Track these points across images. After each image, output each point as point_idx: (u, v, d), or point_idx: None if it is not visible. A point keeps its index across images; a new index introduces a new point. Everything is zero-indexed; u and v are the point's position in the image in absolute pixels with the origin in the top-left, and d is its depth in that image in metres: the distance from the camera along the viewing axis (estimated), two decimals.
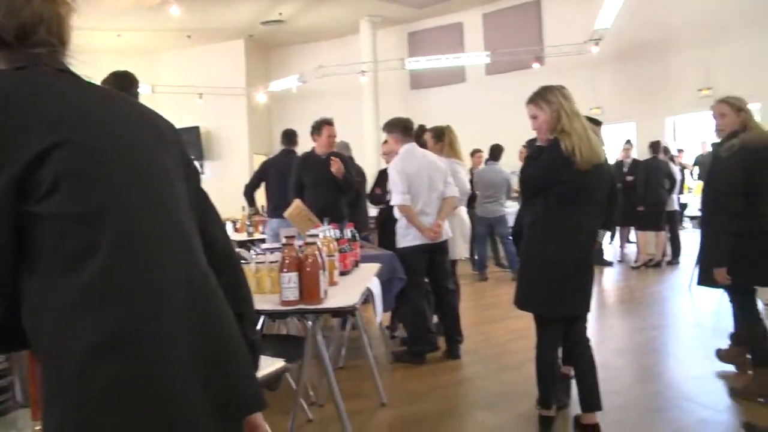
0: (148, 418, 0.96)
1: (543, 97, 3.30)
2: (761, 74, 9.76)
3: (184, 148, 1.25)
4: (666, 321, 6.10)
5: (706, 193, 4.29)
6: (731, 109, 3.91)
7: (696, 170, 12.53)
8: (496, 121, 11.60)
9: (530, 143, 3.79)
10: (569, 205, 3.24)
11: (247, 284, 1.33)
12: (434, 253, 4.82)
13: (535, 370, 3.42)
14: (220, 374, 1.08)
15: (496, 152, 8.53)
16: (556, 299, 3.28)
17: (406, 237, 4.78)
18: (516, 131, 5.61)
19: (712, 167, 4.09)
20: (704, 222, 4.39)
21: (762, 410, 3.61)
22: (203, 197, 1.27)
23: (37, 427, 1.30)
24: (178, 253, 1.08)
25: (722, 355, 4.48)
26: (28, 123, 0.97)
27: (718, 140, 4.03)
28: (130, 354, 0.95)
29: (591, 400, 3.33)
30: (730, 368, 4.34)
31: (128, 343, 0.95)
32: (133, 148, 1.09)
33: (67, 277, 0.95)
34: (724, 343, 4.55)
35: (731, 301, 4.03)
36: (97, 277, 0.95)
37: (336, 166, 5.50)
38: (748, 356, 4.09)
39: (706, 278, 3.94)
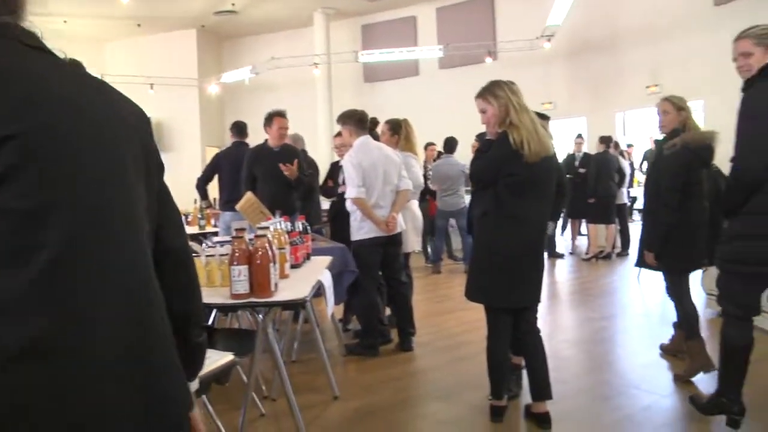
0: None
1: (491, 91, 3.36)
2: (705, 72, 10.03)
3: (150, 140, 1.17)
4: (615, 311, 6.23)
5: (648, 185, 4.50)
6: (673, 107, 4.10)
7: (645, 165, 12.83)
8: (449, 114, 11.67)
9: (481, 136, 3.85)
10: (518, 197, 3.29)
11: (197, 286, 1.28)
12: (388, 246, 4.82)
13: (486, 361, 3.46)
14: (151, 387, 1.02)
15: (450, 145, 8.56)
16: (506, 290, 3.33)
17: (361, 230, 4.76)
18: (469, 125, 5.65)
19: (655, 162, 4.32)
20: (645, 211, 4.69)
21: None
22: (164, 194, 1.20)
23: None
24: (125, 260, 1.02)
25: (666, 347, 4.60)
26: None
27: (661, 136, 4.28)
28: (49, 364, 0.89)
29: (541, 389, 3.39)
30: (679, 357, 4.45)
31: (48, 352, 0.89)
32: (94, 144, 1.01)
33: (3, 276, 0.89)
34: (671, 332, 4.66)
35: (666, 287, 4.27)
36: (34, 280, 0.89)
37: (288, 172, 5.46)
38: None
39: (641, 260, 4.30)
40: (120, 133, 1.08)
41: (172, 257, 1.18)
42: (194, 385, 1.29)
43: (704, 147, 3.85)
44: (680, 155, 3.92)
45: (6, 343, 0.87)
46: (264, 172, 5.61)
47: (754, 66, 3.04)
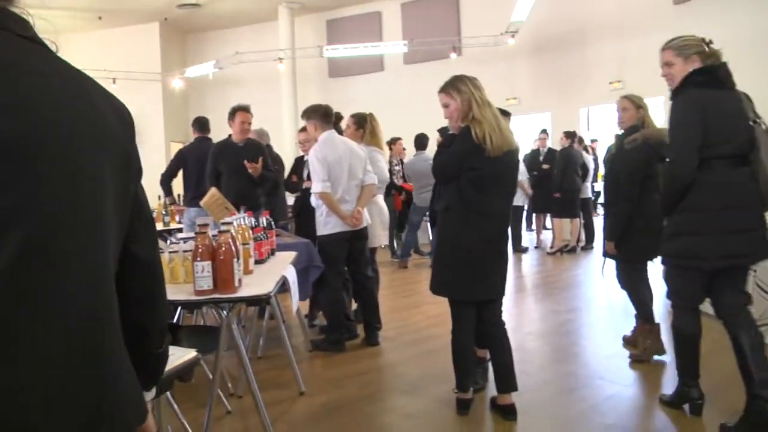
0: None
1: (454, 86, 3.39)
2: None
3: (131, 143, 1.12)
4: (580, 304, 6.32)
5: (608, 178, 4.75)
6: (633, 105, 4.31)
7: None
8: (414, 109, 11.67)
9: (443, 131, 3.92)
10: (480, 192, 3.33)
11: (161, 298, 1.23)
12: (354, 241, 4.82)
13: (452, 354, 3.48)
14: (99, 398, 0.98)
15: (422, 142, 8.58)
16: (469, 283, 3.36)
17: (327, 225, 4.75)
18: (434, 120, 5.65)
19: (615, 156, 4.48)
20: (605, 204, 5.01)
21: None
22: (139, 201, 1.15)
23: None
24: (85, 269, 0.98)
25: (628, 339, 4.72)
26: None
27: (621, 132, 4.47)
28: None
29: (507, 381, 3.43)
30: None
31: None
32: (69, 147, 0.96)
33: None
34: (633, 323, 4.75)
35: (618, 276, 4.59)
36: None
37: (252, 170, 5.43)
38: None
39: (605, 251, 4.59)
40: (100, 136, 1.03)
41: (136, 267, 1.14)
42: (150, 395, 1.26)
43: (662, 143, 3.92)
44: (641, 150, 4.11)
45: None
46: (228, 168, 5.56)
47: (676, 76, 3.31)
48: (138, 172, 1.14)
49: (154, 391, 1.31)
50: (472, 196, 3.32)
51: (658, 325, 4.37)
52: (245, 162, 5.44)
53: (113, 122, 1.08)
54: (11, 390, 0.86)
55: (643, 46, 10.71)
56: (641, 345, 4.38)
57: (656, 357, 4.29)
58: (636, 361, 4.29)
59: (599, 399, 3.73)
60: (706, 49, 3.27)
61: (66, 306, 0.94)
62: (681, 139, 3.14)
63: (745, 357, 3.13)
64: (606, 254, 4.64)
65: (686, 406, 3.44)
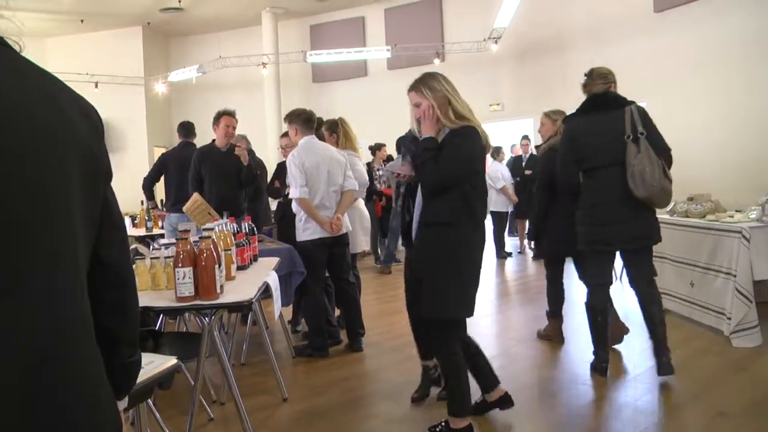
0: None
1: (425, 83, 3.11)
2: (647, 75, 10.31)
3: (99, 146, 1.10)
4: (565, 306, 6.33)
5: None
6: (549, 119, 5.01)
7: None
8: (398, 115, 11.59)
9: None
10: (482, 198, 3.14)
11: (134, 305, 1.22)
12: (334, 246, 4.80)
13: (453, 373, 3.19)
14: (58, 413, 0.94)
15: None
16: (474, 296, 3.18)
17: (306, 231, 4.73)
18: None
19: (533, 166, 5.35)
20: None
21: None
22: (108, 205, 1.13)
23: None
24: (54, 280, 0.96)
25: (541, 333, 5.16)
26: None
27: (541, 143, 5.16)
28: None
29: (493, 375, 3.49)
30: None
31: None
32: (38, 156, 0.94)
33: None
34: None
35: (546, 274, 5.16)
36: None
37: (240, 152, 5.43)
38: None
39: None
40: (65, 137, 1.01)
41: (105, 273, 1.12)
42: (122, 404, 1.24)
43: None
44: (549, 158, 4.66)
45: None
46: (211, 173, 5.53)
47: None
48: (107, 174, 1.12)
49: (126, 400, 1.29)
50: (479, 205, 3.08)
51: (561, 318, 5.08)
52: (236, 146, 5.46)
53: (79, 123, 1.06)
54: None
55: (624, 53, 10.88)
56: (547, 330, 5.11)
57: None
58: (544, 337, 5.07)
59: (581, 403, 3.76)
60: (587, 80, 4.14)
61: (30, 312, 0.92)
62: (560, 159, 4.14)
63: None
64: (536, 253, 5.40)
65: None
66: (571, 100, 12.39)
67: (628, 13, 10.94)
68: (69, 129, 1.03)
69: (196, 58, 14.14)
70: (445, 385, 3.33)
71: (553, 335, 5.05)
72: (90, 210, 1.07)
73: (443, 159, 3.00)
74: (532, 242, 5.21)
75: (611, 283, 4.14)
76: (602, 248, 3.97)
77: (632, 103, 3.93)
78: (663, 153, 3.83)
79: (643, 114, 3.87)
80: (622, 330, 4.76)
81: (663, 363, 3.88)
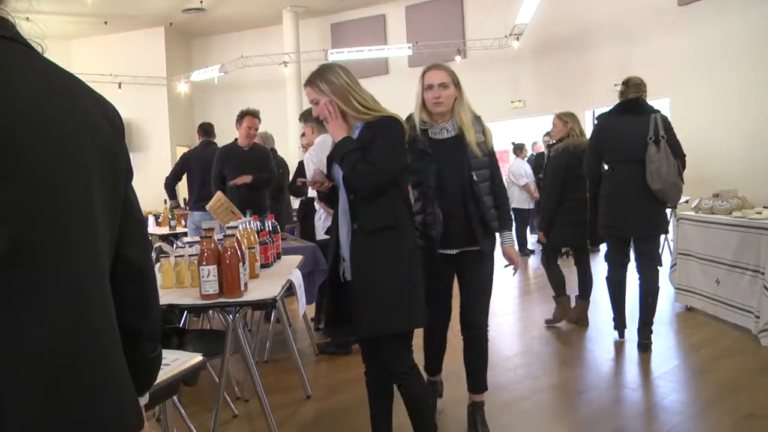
0: None
1: (322, 77, 2.70)
2: (670, 70, 10.19)
3: (120, 145, 1.10)
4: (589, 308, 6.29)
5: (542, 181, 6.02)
6: (560, 121, 5.33)
7: None
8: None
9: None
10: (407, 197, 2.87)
11: (153, 301, 1.22)
12: None
13: (423, 394, 2.87)
14: (81, 411, 0.95)
15: None
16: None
17: (325, 228, 4.73)
18: None
19: (546, 163, 5.64)
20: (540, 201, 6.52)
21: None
22: (128, 203, 1.14)
23: None
24: (75, 277, 0.96)
25: (549, 320, 5.51)
26: None
27: (553, 142, 5.56)
28: None
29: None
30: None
31: None
32: (60, 153, 0.95)
33: None
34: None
35: (542, 258, 5.67)
36: None
37: (242, 182, 5.48)
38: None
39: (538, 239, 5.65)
40: (86, 137, 1.02)
41: (126, 270, 1.13)
42: (143, 400, 1.25)
43: (582, 151, 4.96)
44: (561, 157, 5.17)
45: None
46: (233, 172, 5.57)
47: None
48: (127, 173, 1.13)
49: (147, 396, 1.30)
50: (409, 204, 2.83)
51: (568, 297, 5.44)
52: (235, 180, 5.51)
53: (100, 123, 1.07)
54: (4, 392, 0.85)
55: (647, 48, 10.77)
56: (556, 312, 5.46)
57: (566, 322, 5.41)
58: (550, 327, 5.41)
59: (606, 402, 3.72)
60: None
61: (55, 308, 0.93)
62: (588, 150, 4.80)
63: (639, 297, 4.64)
64: (539, 241, 5.62)
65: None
66: (594, 96, 12.36)
67: (652, 7, 10.80)
68: (89, 129, 1.04)
69: (217, 58, 14.22)
70: (414, 417, 2.80)
71: (561, 317, 5.43)
72: (111, 208, 1.08)
73: (376, 155, 2.59)
74: (542, 233, 5.39)
75: (627, 263, 4.75)
76: (616, 233, 4.63)
77: (658, 111, 4.51)
78: (679, 157, 4.41)
79: (665, 121, 4.47)
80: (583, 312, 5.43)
81: (642, 343, 4.55)
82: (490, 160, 3.22)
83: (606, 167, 4.65)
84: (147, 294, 1.20)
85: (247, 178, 5.50)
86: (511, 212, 3.50)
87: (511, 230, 3.36)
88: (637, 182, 4.36)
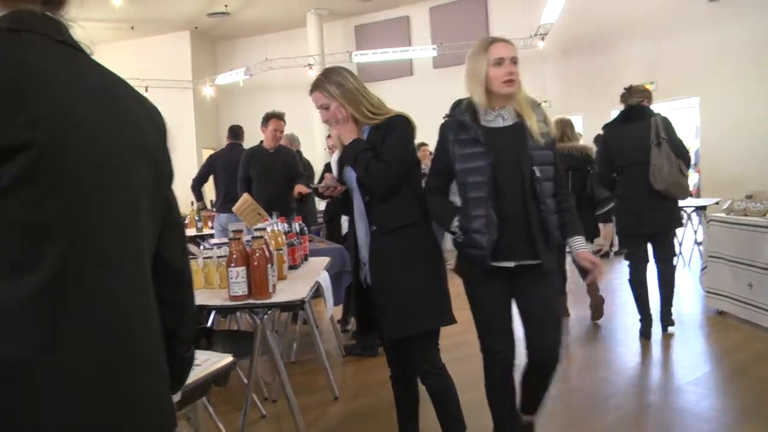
0: None
1: (331, 80, 2.66)
2: (701, 69, 10.04)
3: (164, 150, 1.13)
4: (614, 309, 6.21)
5: None
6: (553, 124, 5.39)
7: None
8: (443, 113, 11.65)
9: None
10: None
11: (192, 303, 1.25)
12: None
13: (449, 396, 2.83)
14: (133, 410, 0.98)
15: None
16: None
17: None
18: None
19: None
20: None
21: None
22: (169, 207, 1.16)
23: None
24: (122, 282, 0.99)
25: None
26: (8, 111, 0.84)
27: None
28: (31, 382, 0.85)
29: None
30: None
31: (32, 370, 0.86)
32: (108, 158, 0.97)
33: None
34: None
35: None
36: (27, 297, 0.85)
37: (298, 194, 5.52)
38: None
39: None
40: (135, 143, 1.04)
41: (165, 272, 1.15)
42: (175, 398, 1.27)
43: (568, 155, 5.16)
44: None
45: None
46: (259, 174, 5.61)
47: None
48: (170, 177, 1.15)
49: (179, 394, 1.32)
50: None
51: (566, 296, 5.67)
52: (297, 190, 5.52)
53: (147, 128, 1.09)
54: (52, 393, 0.87)
55: (677, 46, 10.63)
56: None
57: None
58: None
59: (635, 408, 3.66)
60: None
61: (108, 312, 0.95)
62: (597, 157, 5.24)
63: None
64: None
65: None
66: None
67: (680, 4, 10.66)
68: (138, 133, 1.06)
69: (242, 61, 14.32)
70: (442, 418, 2.78)
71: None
72: (155, 211, 1.10)
73: (387, 154, 2.55)
74: None
75: (647, 261, 4.91)
76: (631, 232, 4.88)
77: (657, 114, 4.77)
78: (682, 156, 4.69)
79: (666, 123, 4.73)
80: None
81: (664, 324, 4.93)
82: (553, 155, 2.72)
83: (615, 173, 4.97)
84: (184, 296, 1.22)
85: (303, 189, 5.53)
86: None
87: (582, 234, 2.76)
88: (645, 184, 4.64)
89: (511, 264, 2.64)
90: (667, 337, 4.86)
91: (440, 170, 2.74)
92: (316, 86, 2.68)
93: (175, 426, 1.12)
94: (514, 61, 2.67)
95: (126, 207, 1.01)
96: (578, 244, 2.73)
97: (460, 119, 2.68)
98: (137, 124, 1.07)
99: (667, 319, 4.94)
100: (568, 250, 2.80)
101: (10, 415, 0.84)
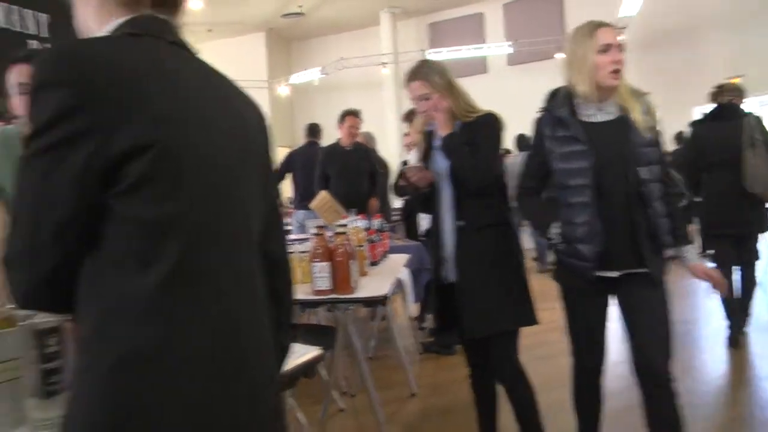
0: None
1: (434, 70, 2.64)
2: None
3: (269, 148, 1.19)
4: (699, 314, 6.00)
5: None
6: None
7: None
8: (518, 111, 11.45)
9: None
10: None
11: (291, 292, 1.29)
12: None
13: (528, 398, 2.79)
14: (253, 401, 1.02)
15: (525, 142, 8.49)
16: None
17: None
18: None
19: None
20: None
21: None
22: (272, 203, 1.21)
23: None
24: (237, 273, 1.03)
25: None
26: (135, 111, 0.90)
27: None
28: (160, 374, 0.90)
29: None
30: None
31: (154, 360, 0.90)
32: (223, 155, 1.02)
33: (121, 280, 0.90)
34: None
35: None
36: (151, 289, 0.90)
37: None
38: None
39: None
40: (247, 143, 1.09)
41: (269, 263, 1.18)
42: None
43: None
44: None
45: (115, 349, 0.90)
46: (337, 171, 5.67)
47: None
48: (274, 174, 1.21)
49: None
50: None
51: None
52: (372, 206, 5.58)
53: (255, 127, 1.14)
54: (174, 381, 0.92)
55: (762, 41, 10.16)
56: None
57: None
58: None
59: (724, 420, 3.52)
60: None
61: (223, 304, 0.99)
62: (685, 156, 5.05)
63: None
64: None
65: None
66: (702, 93, 11.77)
67: None
68: (249, 134, 1.11)
69: (317, 61, 14.52)
70: (520, 418, 2.73)
71: None
72: (264, 209, 1.15)
73: (485, 152, 2.54)
74: None
75: (734, 263, 4.72)
76: (717, 233, 4.70)
77: (750, 114, 4.58)
78: None
79: (759, 123, 4.54)
80: None
81: (732, 337, 4.68)
82: (659, 151, 2.45)
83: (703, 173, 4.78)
84: (286, 286, 1.25)
85: (374, 203, 5.60)
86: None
87: (692, 243, 2.51)
88: (734, 185, 4.48)
89: (616, 274, 2.42)
90: (756, 345, 4.65)
91: (535, 169, 2.59)
92: (418, 75, 2.62)
93: (284, 418, 1.16)
94: (620, 48, 2.41)
95: (240, 203, 1.05)
96: (690, 254, 2.48)
97: (557, 114, 2.45)
98: (248, 123, 1.12)
99: (732, 341, 4.69)
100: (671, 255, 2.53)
101: (138, 402, 0.89)
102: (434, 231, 2.76)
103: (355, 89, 14.00)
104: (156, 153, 0.90)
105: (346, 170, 5.60)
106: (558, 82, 2.64)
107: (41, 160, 0.89)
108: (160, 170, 0.91)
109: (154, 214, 0.91)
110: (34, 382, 1.39)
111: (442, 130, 2.60)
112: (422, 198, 2.77)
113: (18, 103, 1.85)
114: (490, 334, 2.59)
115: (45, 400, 1.38)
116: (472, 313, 2.57)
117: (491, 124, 2.60)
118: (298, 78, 14.41)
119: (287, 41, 15.82)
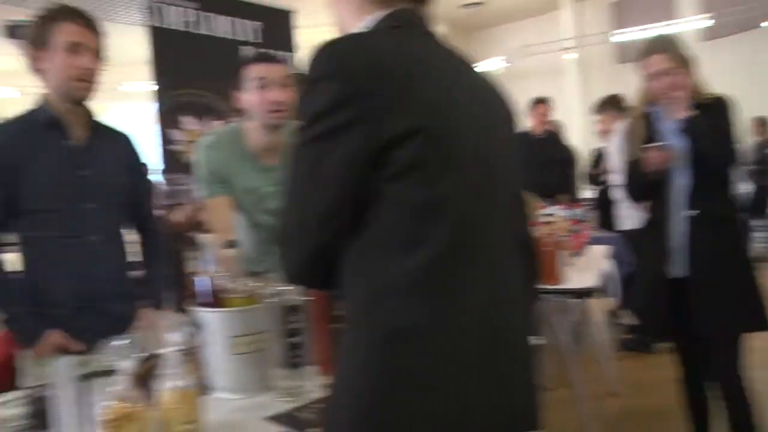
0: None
1: (678, 44, 2.50)
2: None
3: (513, 132, 1.20)
4: None
5: None
6: None
7: None
8: (718, 89, 10.59)
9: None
10: None
11: (538, 275, 1.33)
12: None
13: (746, 407, 2.53)
14: (516, 388, 1.04)
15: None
16: None
17: (631, 218, 4.48)
18: (742, 101, 4.92)
19: None
20: None
21: None
22: (516, 187, 1.21)
23: (325, 383, 1.41)
24: (503, 257, 1.05)
25: None
26: (404, 99, 0.94)
27: None
28: (420, 348, 0.93)
29: None
30: None
31: (422, 337, 0.93)
32: (479, 139, 1.04)
33: (390, 259, 0.94)
34: None
35: None
36: (420, 270, 0.93)
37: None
38: None
39: None
40: (503, 128, 1.12)
41: (524, 250, 1.18)
42: None
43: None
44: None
45: (388, 323, 0.93)
46: (529, 160, 5.56)
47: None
48: (515, 159, 1.19)
49: None
50: None
51: None
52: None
53: (503, 112, 1.16)
54: (443, 358, 0.95)
55: None
56: None
57: None
58: None
59: None
60: None
61: (490, 285, 1.01)
62: None
63: None
64: None
65: None
66: None
67: None
68: (503, 118, 1.15)
69: (497, 49, 14.36)
70: (734, 425, 2.52)
71: None
72: (518, 189, 1.21)
73: (728, 136, 2.40)
74: None
75: None
76: None
77: None
78: None
79: None
80: None
81: None
82: None
83: None
84: (534, 266, 1.30)
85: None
86: None
87: None
88: None
89: None
90: None
91: None
92: (664, 48, 2.46)
93: (537, 418, 1.16)
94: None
95: (497, 187, 1.06)
96: None
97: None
98: (498, 108, 1.14)
99: None
100: None
101: (406, 376, 0.92)
102: (659, 220, 2.56)
103: (536, 77, 13.68)
104: (425, 137, 0.93)
105: (537, 159, 5.50)
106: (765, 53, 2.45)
107: (314, 146, 0.96)
108: (429, 154, 0.94)
109: (424, 197, 0.94)
110: (280, 353, 1.52)
111: (680, 111, 2.41)
112: (652, 184, 2.55)
113: (253, 98, 2.02)
114: (729, 336, 2.43)
115: (290, 371, 1.51)
116: (709, 312, 2.41)
117: (730, 107, 2.45)
118: (482, 67, 14.36)
119: (468, 32, 15.81)
